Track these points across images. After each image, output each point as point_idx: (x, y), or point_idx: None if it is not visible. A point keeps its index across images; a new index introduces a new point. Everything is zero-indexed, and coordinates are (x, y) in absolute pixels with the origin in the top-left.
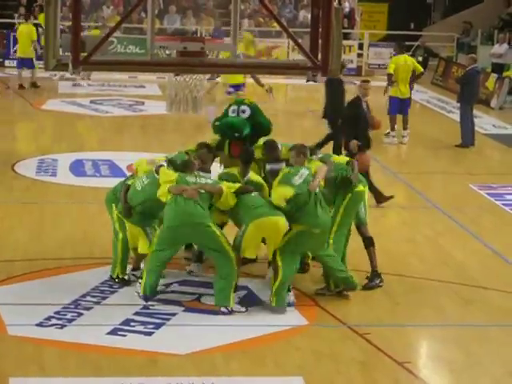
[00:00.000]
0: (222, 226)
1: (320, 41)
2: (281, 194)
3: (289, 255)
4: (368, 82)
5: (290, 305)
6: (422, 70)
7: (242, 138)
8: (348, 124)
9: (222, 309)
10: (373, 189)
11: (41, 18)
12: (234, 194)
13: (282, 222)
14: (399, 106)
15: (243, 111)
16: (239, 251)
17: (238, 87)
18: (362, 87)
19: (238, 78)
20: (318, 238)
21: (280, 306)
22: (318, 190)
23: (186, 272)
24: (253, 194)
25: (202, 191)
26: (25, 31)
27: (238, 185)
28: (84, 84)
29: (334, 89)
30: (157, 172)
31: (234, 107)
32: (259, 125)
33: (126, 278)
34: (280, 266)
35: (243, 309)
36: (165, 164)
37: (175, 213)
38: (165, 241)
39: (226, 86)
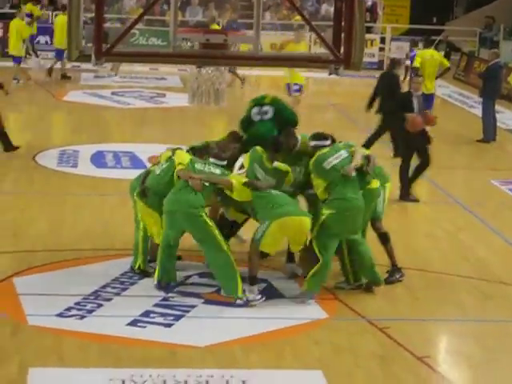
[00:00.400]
0: (233, 223)
1: (343, 34)
2: (318, 185)
3: (325, 240)
4: (420, 76)
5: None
6: (448, 64)
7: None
8: (398, 120)
9: (238, 301)
10: (403, 181)
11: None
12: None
13: (306, 221)
14: (424, 102)
15: (265, 112)
16: (258, 244)
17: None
18: (413, 81)
19: (299, 78)
20: (353, 220)
21: (310, 290)
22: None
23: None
24: (275, 192)
25: (207, 184)
26: (61, 22)
27: (245, 178)
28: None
29: (389, 83)
30: (173, 154)
31: (256, 109)
32: (285, 120)
33: (146, 269)
34: (319, 253)
35: (258, 296)
36: (183, 148)
37: (174, 197)
38: (166, 223)
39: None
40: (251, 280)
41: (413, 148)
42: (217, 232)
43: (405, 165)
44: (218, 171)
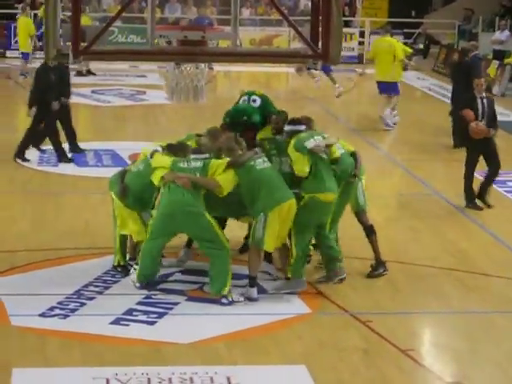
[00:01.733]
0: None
1: (320, 29)
2: (304, 162)
3: (301, 229)
4: (481, 77)
5: (252, 299)
6: (410, 50)
7: (251, 124)
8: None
9: (223, 300)
10: (467, 187)
11: (42, 11)
12: (230, 172)
13: (293, 204)
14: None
15: (254, 100)
16: (261, 244)
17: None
18: (475, 84)
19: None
20: (325, 208)
21: (296, 276)
22: (325, 156)
23: (176, 261)
24: (260, 170)
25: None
26: (22, 24)
27: (225, 160)
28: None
29: (462, 75)
30: (151, 156)
31: (245, 97)
32: (270, 115)
33: (126, 265)
34: (293, 242)
35: (242, 298)
36: (159, 149)
37: (168, 200)
38: (158, 229)
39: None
40: (251, 281)
41: (477, 153)
42: (219, 230)
43: (468, 171)
44: (198, 164)
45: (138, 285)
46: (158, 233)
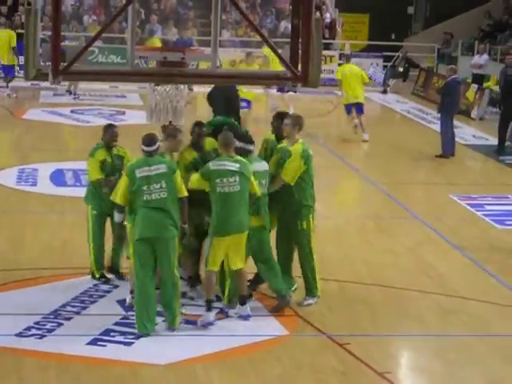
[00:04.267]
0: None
1: (300, 51)
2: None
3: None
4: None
5: (246, 318)
6: (367, 79)
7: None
8: None
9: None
10: None
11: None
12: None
13: (243, 238)
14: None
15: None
16: (205, 264)
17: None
18: None
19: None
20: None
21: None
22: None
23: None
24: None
25: (164, 195)
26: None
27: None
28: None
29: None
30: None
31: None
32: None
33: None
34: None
35: (212, 320)
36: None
37: (145, 223)
38: (138, 257)
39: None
40: (207, 305)
41: None
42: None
43: None
44: (163, 170)
45: (139, 333)
46: (140, 261)
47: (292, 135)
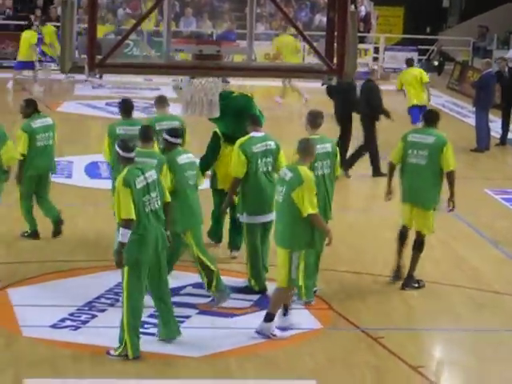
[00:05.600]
0: None
1: (335, 44)
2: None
3: None
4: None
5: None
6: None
7: None
8: None
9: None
10: None
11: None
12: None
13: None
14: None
15: None
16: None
17: None
18: None
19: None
20: None
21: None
22: None
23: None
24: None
25: (159, 203)
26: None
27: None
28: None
29: None
30: None
31: None
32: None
33: None
34: None
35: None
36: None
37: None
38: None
39: None
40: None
41: None
42: None
43: None
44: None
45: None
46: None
47: None
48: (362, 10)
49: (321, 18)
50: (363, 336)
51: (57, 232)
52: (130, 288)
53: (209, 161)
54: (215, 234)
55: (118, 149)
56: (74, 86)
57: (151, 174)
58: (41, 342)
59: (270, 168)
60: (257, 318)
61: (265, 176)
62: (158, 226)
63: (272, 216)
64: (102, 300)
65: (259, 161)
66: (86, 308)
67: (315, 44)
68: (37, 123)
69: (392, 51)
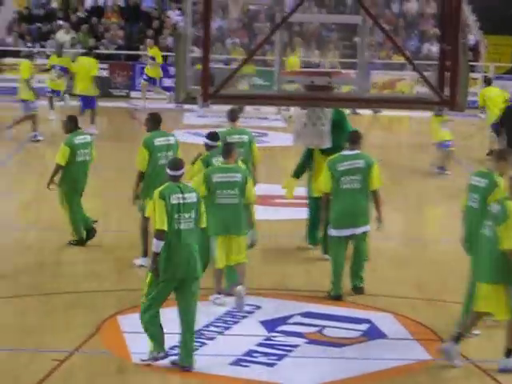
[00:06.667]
0: None
1: (445, 74)
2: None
3: None
4: None
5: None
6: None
7: None
8: None
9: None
10: None
11: (152, 51)
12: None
13: None
14: None
15: None
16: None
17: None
18: None
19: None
20: None
21: None
22: None
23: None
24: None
25: (192, 225)
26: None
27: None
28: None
29: None
30: None
31: None
32: None
33: None
34: None
35: None
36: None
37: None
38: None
39: None
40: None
41: None
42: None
43: None
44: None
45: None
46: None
47: None
48: (472, 38)
49: (429, 48)
50: (473, 368)
51: (87, 239)
52: (152, 304)
53: (299, 168)
54: (313, 239)
55: (167, 167)
56: (183, 115)
57: (191, 196)
58: (151, 370)
59: (355, 185)
60: (365, 348)
61: (349, 192)
62: (190, 248)
63: (355, 230)
64: (211, 328)
65: (343, 178)
66: (196, 336)
67: (425, 74)
68: (79, 139)
69: (501, 80)
